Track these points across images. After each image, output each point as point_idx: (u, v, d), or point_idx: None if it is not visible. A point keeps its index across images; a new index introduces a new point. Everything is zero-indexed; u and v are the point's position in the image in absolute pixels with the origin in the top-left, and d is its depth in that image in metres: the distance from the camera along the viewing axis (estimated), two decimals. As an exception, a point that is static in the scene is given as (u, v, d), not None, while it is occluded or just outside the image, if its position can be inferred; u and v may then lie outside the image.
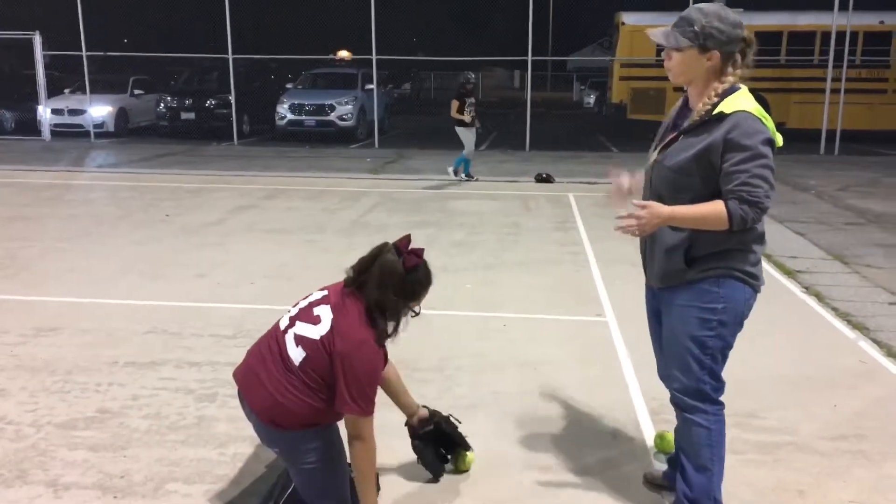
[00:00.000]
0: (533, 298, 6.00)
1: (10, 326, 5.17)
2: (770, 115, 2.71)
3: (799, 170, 13.51)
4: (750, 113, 2.62)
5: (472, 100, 11.72)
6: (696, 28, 2.65)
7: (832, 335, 5.26)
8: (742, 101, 2.65)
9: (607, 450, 3.60)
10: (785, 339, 5.09)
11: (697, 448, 2.86)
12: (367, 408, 2.66)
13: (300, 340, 2.70)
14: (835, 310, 5.74)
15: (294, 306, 2.85)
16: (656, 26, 2.96)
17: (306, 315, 2.75)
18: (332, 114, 18.06)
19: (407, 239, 2.80)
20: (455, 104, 11.62)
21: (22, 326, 5.17)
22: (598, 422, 3.88)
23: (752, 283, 2.77)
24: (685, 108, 2.87)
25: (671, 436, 3.25)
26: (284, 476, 3.08)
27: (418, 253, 2.78)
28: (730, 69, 2.70)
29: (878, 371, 4.61)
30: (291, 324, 2.77)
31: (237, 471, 3.35)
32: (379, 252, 2.75)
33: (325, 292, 2.81)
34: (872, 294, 6.19)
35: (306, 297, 2.86)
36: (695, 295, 2.75)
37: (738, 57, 2.70)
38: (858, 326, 5.37)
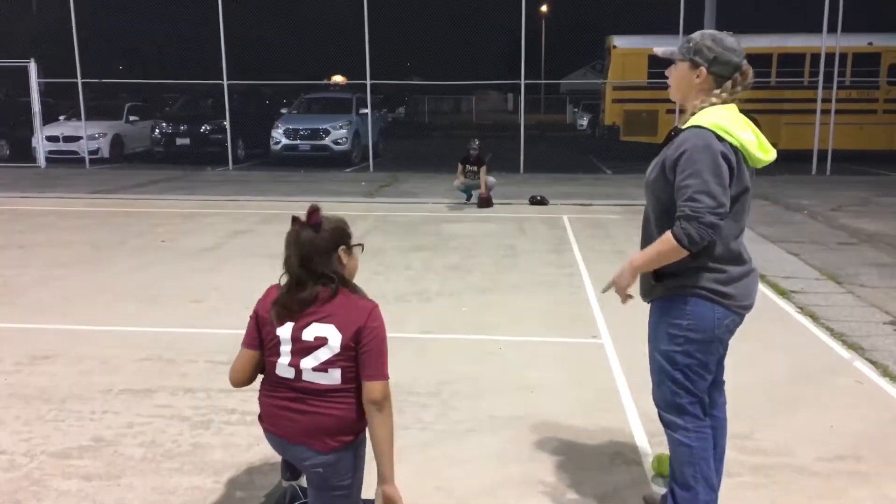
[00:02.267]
0: (528, 321, 6.00)
1: (4, 354, 5.15)
2: (762, 134, 2.76)
3: (792, 190, 13.59)
4: (702, 128, 2.66)
5: (475, 168, 11.89)
6: (690, 44, 2.80)
7: (827, 355, 5.27)
8: (703, 116, 2.71)
9: (605, 473, 3.59)
10: (780, 360, 5.09)
11: (680, 466, 2.88)
12: (387, 370, 2.69)
13: (324, 366, 2.63)
14: (830, 330, 5.76)
15: (272, 352, 2.72)
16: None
17: (308, 348, 2.65)
18: (327, 138, 18.15)
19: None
20: (459, 168, 12.10)
21: (16, 354, 5.15)
22: (596, 445, 3.87)
23: (724, 301, 2.75)
24: None
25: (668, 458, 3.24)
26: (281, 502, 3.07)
27: (311, 211, 2.74)
28: (716, 91, 2.76)
29: (875, 391, 4.62)
30: (297, 366, 2.66)
31: (232, 499, 3.33)
32: (294, 239, 2.72)
33: (290, 323, 2.69)
34: (867, 314, 6.20)
35: (273, 340, 2.71)
36: (664, 310, 2.83)
37: (729, 84, 2.76)
38: (854, 346, 5.38)
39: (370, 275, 7.12)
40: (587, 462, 3.70)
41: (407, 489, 3.38)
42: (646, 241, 2.89)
